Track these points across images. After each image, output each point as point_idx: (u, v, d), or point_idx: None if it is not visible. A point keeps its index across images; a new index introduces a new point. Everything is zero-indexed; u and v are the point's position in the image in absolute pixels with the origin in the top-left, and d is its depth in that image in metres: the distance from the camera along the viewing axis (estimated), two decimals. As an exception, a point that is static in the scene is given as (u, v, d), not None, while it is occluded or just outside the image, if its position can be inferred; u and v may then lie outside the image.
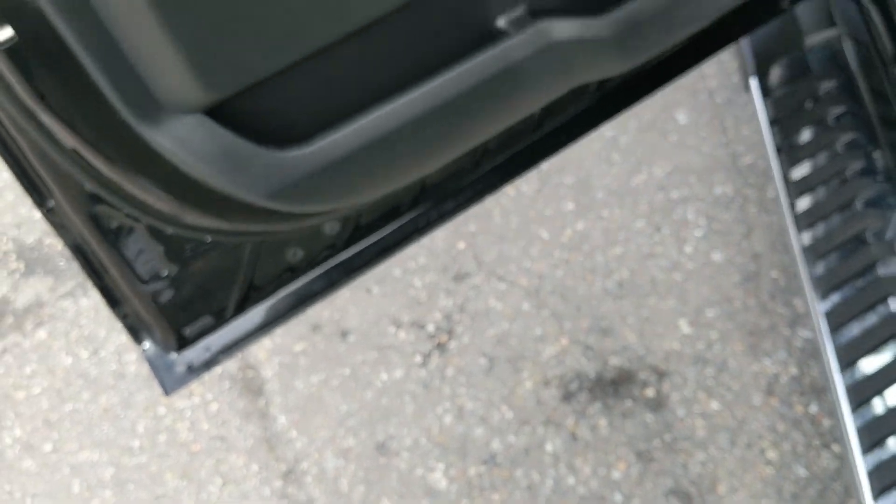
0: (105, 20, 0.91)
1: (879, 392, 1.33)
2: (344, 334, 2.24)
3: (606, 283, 2.23)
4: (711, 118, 2.55)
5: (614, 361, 2.08)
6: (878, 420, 1.32)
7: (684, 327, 2.12)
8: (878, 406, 1.33)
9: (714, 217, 2.32)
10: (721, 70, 2.64)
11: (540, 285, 2.25)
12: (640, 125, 2.55)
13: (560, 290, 2.23)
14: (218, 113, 1.06)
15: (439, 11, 1.20)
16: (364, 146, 1.16)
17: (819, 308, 1.49)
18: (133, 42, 0.94)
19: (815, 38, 1.85)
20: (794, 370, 1.99)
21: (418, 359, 2.16)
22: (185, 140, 1.04)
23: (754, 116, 2.57)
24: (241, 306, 1.50)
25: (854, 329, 1.42)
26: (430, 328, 2.21)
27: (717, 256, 2.24)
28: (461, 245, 2.37)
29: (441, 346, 2.17)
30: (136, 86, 0.99)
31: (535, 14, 1.31)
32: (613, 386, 2.04)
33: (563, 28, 1.24)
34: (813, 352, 2.00)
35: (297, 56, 1.05)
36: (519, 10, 1.31)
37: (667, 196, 2.39)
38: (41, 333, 2.39)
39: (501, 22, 1.31)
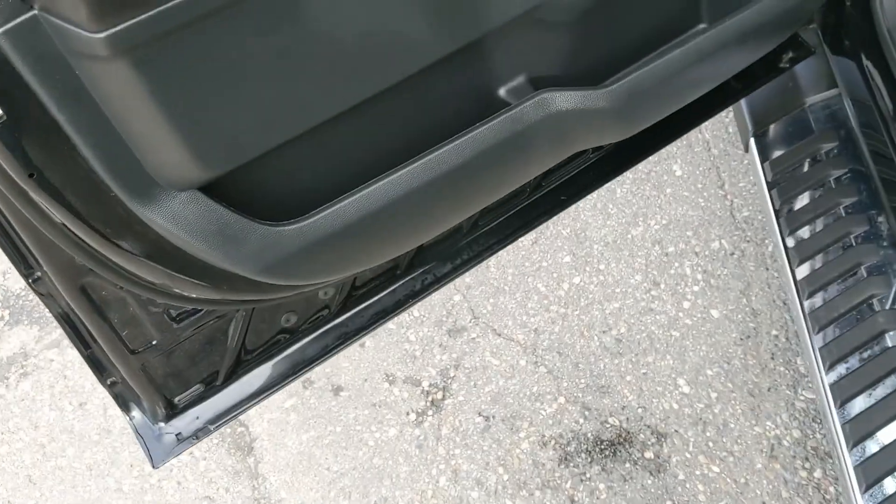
0: (99, 102, 0.88)
1: (892, 471, 1.29)
2: (336, 390, 2.19)
3: (604, 339, 2.20)
4: (707, 170, 2.54)
5: (613, 421, 2.04)
6: (892, 499, 1.28)
7: (683, 386, 2.08)
8: (890, 486, 1.29)
9: (711, 272, 2.29)
10: (716, 122, 2.63)
11: (537, 341, 2.21)
12: (637, 177, 2.53)
13: (557, 345, 2.19)
14: (212, 187, 1.03)
15: (440, 84, 1.17)
16: (362, 219, 1.13)
17: (826, 379, 1.45)
18: (127, 123, 0.91)
19: (815, 98, 1.84)
20: (796, 433, 1.95)
21: (412, 417, 2.11)
22: (179, 216, 1.01)
23: (750, 169, 2.56)
24: (233, 373, 1.46)
25: (863, 403, 1.39)
26: (425, 384, 2.17)
27: (715, 313, 2.21)
28: (456, 297, 2.33)
29: (436, 404, 2.13)
30: (128, 164, 0.96)
31: (535, 84, 1.30)
32: (612, 447, 1.99)
33: (565, 99, 1.22)
34: (816, 414, 1.97)
35: (295, 133, 1.03)
36: (519, 80, 1.29)
37: (663, 250, 2.36)
38: (25, 385, 2.33)
39: (502, 92, 1.29)
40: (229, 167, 1.00)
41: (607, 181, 1.70)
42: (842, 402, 1.40)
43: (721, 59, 1.35)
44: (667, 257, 2.34)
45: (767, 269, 2.27)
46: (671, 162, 2.56)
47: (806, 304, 1.58)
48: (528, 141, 1.23)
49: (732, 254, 2.32)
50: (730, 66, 1.42)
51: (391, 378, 2.19)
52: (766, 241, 2.33)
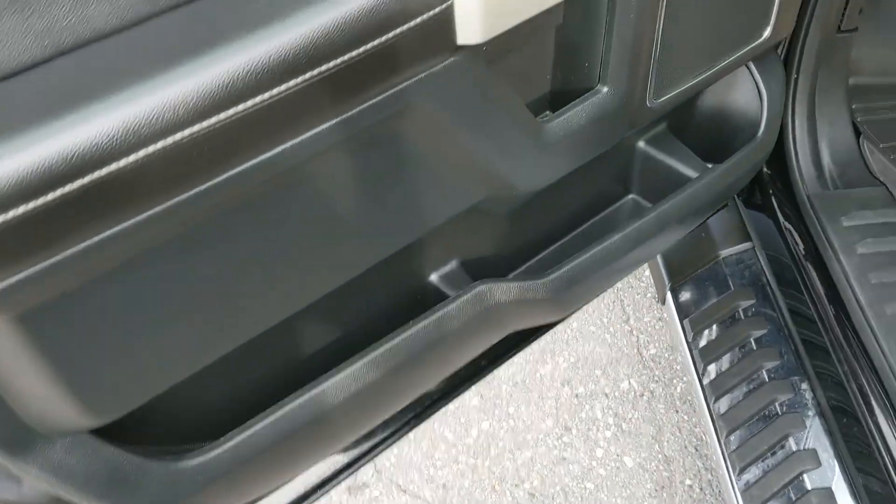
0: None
1: None
2: (224, 561, 1.96)
3: (517, 493, 2.07)
4: (612, 303, 2.50)
5: (530, 589, 1.91)
6: None
7: (601, 546, 1.98)
8: None
9: (622, 415, 2.22)
10: (619, 253, 2.61)
11: (445, 497, 2.06)
12: (542, 311, 2.46)
13: (468, 503, 2.05)
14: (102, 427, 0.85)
15: (368, 283, 1.05)
16: (280, 441, 0.98)
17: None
18: (3, 376, 0.73)
19: (729, 251, 1.82)
20: None
21: (311, 591, 1.91)
22: (60, 465, 0.83)
23: (654, 304, 2.54)
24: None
25: None
26: (324, 552, 1.97)
27: (628, 461, 2.13)
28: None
29: (337, 575, 1.93)
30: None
31: (468, 267, 1.20)
32: None
33: (504, 291, 1.12)
34: (737, 576, 1.89)
35: (207, 363, 0.87)
36: (452, 265, 1.19)
37: (573, 391, 2.28)
38: None
39: (434, 278, 1.19)
40: (127, 411, 0.83)
41: (528, 345, 1.61)
42: None
43: (658, 240, 1.29)
44: (577, 399, 2.26)
45: (677, 411, 2.22)
46: (575, 294, 2.51)
47: (736, 480, 1.51)
48: (462, 333, 1.12)
49: (642, 395, 2.26)
50: (664, 243, 1.37)
51: (287, 545, 1.98)
52: (675, 382, 2.29)
